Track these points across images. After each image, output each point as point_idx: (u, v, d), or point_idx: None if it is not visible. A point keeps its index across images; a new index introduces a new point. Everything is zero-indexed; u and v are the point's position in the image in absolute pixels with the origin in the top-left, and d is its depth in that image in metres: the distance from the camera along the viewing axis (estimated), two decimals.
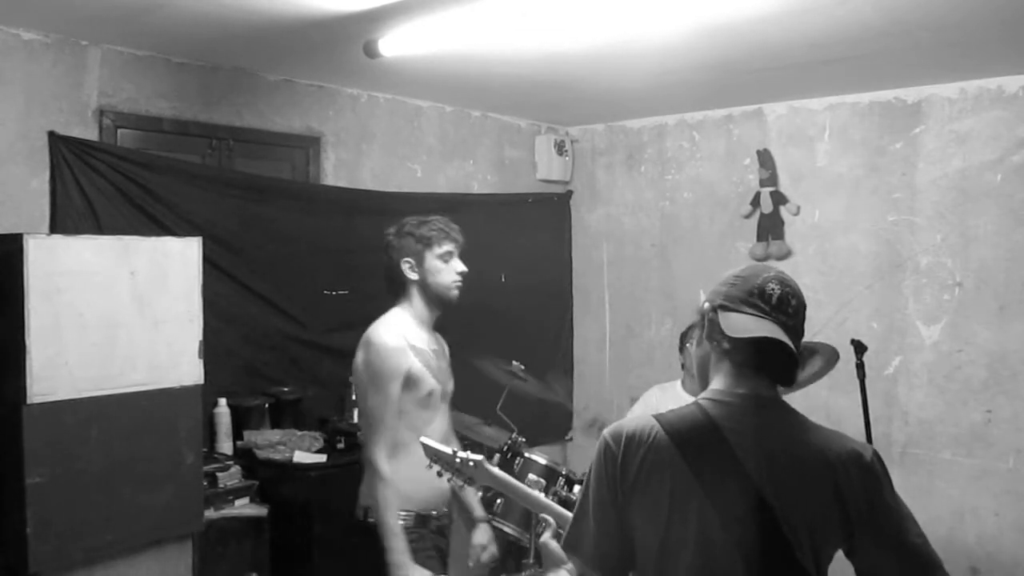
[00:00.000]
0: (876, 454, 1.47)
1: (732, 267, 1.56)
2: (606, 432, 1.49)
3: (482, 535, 2.87)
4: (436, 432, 2.60)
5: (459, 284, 2.65)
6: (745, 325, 1.44)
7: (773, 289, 1.46)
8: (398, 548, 2.44)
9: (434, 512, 2.62)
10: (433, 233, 2.60)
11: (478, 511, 2.87)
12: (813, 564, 1.41)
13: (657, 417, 1.47)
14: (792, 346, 1.42)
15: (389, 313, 2.63)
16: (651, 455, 1.43)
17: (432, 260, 2.60)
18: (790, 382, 1.50)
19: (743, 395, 1.46)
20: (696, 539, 1.40)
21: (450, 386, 2.73)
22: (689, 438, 1.43)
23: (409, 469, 2.53)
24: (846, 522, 1.42)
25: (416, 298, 2.63)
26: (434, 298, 2.63)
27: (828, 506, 1.41)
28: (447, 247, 2.61)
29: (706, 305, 1.52)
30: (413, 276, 2.61)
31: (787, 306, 1.46)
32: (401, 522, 2.51)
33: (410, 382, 2.53)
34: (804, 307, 1.51)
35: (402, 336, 2.55)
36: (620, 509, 1.46)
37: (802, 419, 1.50)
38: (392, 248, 2.62)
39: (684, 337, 3.73)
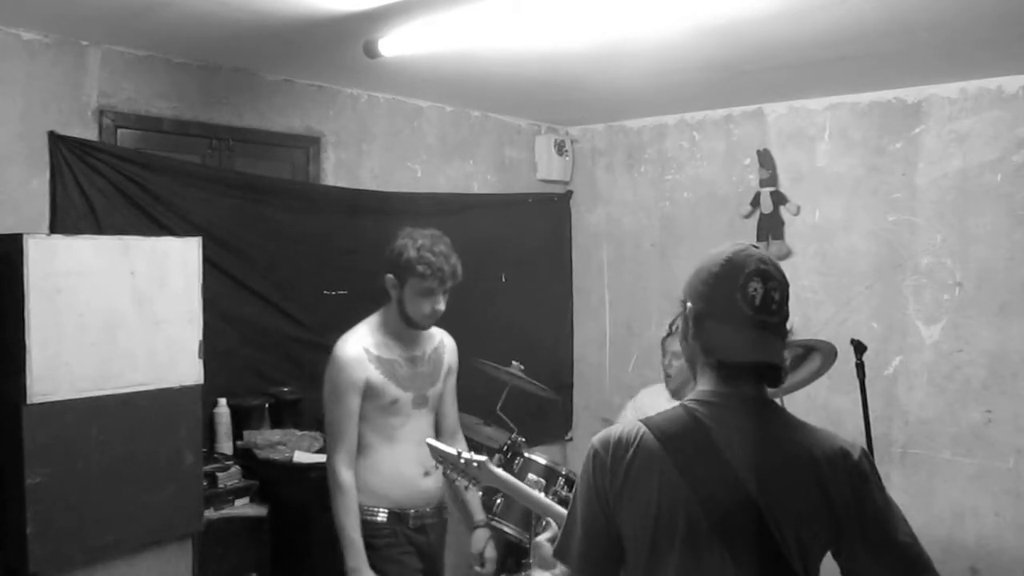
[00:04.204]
0: (864, 452, 1.45)
1: None
2: (595, 439, 1.50)
3: (478, 542, 2.87)
4: (412, 436, 2.65)
5: (432, 319, 2.64)
6: (729, 344, 1.43)
7: (756, 290, 1.42)
8: (354, 554, 2.51)
9: (412, 510, 2.66)
10: (421, 267, 2.54)
11: (477, 515, 2.88)
12: (800, 562, 1.40)
13: (644, 420, 1.47)
14: (777, 360, 1.42)
15: (361, 323, 2.69)
16: (638, 457, 1.44)
17: (412, 289, 2.59)
18: (775, 384, 1.48)
19: (729, 395, 1.46)
20: (684, 538, 1.40)
21: (431, 391, 2.73)
22: (676, 439, 1.43)
23: (381, 469, 2.62)
24: (834, 520, 1.41)
25: (393, 310, 2.67)
26: (406, 319, 2.65)
27: (815, 504, 1.41)
28: (430, 284, 2.56)
29: (688, 305, 1.50)
30: (393, 292, 2.64)
31: (771, 303, 1.43)
32: (381, 519, 2.60)
33: (370, 392, 2.59)
34: (787, 291, 1.46)
35: (363, 348, 2.60)
36: (609, 514, 1.46)
37: (789, 417, 1.49)
38: (389, 253, 2.63)
39: (665, 342, 3.71)
